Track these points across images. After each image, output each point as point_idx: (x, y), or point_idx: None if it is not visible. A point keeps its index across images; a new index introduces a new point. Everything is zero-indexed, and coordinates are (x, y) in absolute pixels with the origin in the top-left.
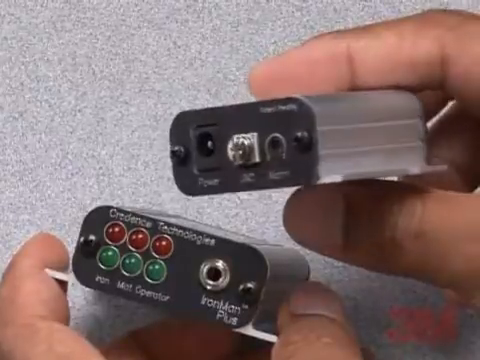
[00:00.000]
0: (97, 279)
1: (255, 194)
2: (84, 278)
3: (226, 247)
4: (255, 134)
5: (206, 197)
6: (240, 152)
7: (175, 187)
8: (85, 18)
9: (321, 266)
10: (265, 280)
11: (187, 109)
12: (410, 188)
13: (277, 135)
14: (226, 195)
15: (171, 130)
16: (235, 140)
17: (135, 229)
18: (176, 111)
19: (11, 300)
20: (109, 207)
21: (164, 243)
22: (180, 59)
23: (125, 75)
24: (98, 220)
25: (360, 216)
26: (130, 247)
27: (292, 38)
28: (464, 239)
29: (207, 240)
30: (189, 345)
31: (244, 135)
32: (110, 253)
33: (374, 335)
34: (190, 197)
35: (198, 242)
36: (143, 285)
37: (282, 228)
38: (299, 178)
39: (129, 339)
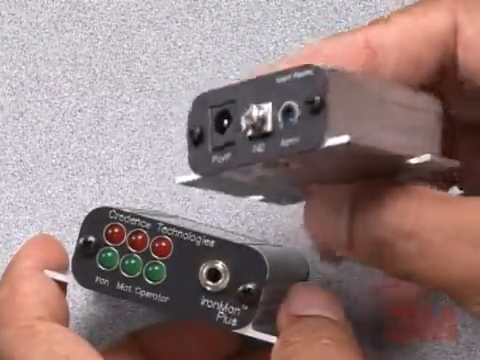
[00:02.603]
0: (96, 280)
1: None
2: (83, 279)
3: (226, 248)
4: (269, 104)
5: (206, 196)
6: (251, 123)
7: (175, 187)
8: (85, 18)
9: (321, 266)
10: (265, 281)
11: (187, 109)
12: (407, 186)
13: (291, 103)
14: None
15: (189, 112)
16: (247, 112)
17: (135, 230)
18: (176, 111)
19: (10, 301)
20: (108, 208)
21: (164, 244)
22: (180, 59)
23: (125, 75)
24: (97, 221)
25: (359, 214)
26: (130, 248)
27: (292, 38)
28: (460, 244)
29: (207, 241)
30: (189, 346)
31: (258, 106)
32: (109, 254)
33: (374, 335)
34: (196, 188)
35: (198, 243)
36: (143, 286)
37: (282, 228)
38: (307, 142)
39: (129, 339)
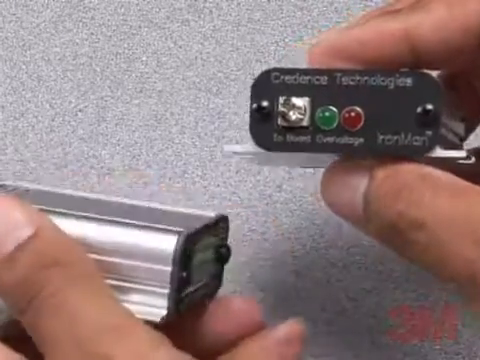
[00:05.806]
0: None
1: (255, 194)
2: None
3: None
4: None
5: (206, 196)
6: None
7: (175, 186)
8: (86, 18)
9: (321, 266)
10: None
11: (188, 109)
12: (426, 172)
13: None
14: (227, 195)
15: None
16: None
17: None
18: (177, 111)
19: None
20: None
21: None
22: (181, 59)
23: (126, 75)
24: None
25: (374, 195)
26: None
27: (293, 38)
28: (468, 240)
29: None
30: None
31: None
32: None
33: (374, 335)
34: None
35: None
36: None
37: (282, 228)
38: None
39: None
